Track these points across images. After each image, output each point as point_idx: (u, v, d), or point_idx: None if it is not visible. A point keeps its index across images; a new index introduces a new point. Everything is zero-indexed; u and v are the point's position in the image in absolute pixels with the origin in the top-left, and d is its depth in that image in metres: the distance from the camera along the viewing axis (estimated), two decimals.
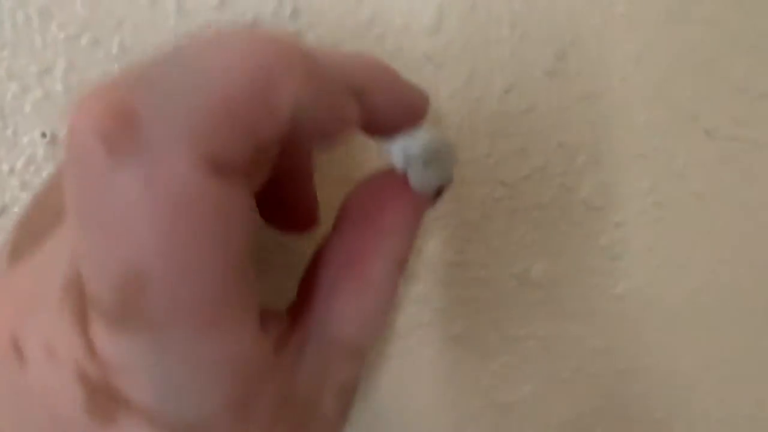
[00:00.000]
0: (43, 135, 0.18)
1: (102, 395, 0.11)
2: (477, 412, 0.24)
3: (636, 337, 0.26)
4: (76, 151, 0.09)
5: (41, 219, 0.13)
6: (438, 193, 0.16)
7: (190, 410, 0.11)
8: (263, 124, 0.09)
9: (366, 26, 0.20)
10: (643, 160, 0.24)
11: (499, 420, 0.24)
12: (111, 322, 0.10)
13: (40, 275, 0.12)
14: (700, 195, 0.25)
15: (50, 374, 0.11)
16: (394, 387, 0.23)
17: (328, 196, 0.18)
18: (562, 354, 0.25)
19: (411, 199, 0.15)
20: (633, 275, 0.25)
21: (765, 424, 0.28)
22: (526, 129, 0.22)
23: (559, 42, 0.22)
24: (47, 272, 0.11)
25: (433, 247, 0.22)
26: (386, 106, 0.14)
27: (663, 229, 0.25)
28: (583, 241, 0.24)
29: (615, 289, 0.25)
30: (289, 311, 0.15)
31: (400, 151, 0.15)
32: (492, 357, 0.24)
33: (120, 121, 0.08)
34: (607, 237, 0.24)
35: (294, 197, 0.17)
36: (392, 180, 0.15)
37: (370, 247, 0.14)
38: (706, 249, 0.25)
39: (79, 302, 0.11)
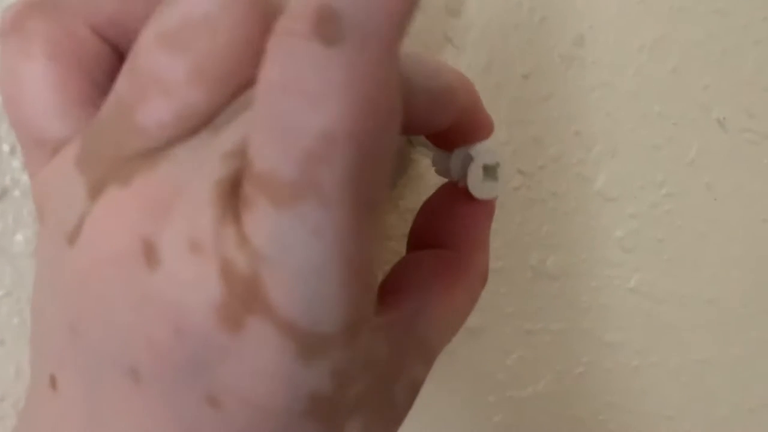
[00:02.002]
0: None
1: (240, 293, 0.10)
2: (492, 407, 0.23)
3: (648, 332, 0.25)
4: (290, 43, 0.10)
5: (122, 155, 0.12)
6: None
7: (319, 321, 0.10)
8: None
9: None
10: (656, 151, 0.23)
11: (513, 415, 0.24)
12: (281, 199, 0.10)
13: (176, 183, 0.11)
14: (710, 186, 0.25)
15: (189, 273, 0.10)
16: None
17: None
18: (576, 348, 0.24)
19: (489, 214, 0.17)
20: (646, 268, 0.24)
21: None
22: (544, 117, 0.21)
23: (577, 28, 0.21)
24: (186, 180, 0.11)
25: None
26: (471, 109, 0.15)
27: (675, 221, 0.24)
28: (598, 232, 0.23)
29: (629, 282, 0.24)
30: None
31: (462, 161, 0.16)
32: (508, 351, 0.23)
33: (327, 16, 0.09)
34: (622, 229, 0.24)
35: None
36: (467, 197, 0.16)
37: (464, 260, 0.16)
38: (718, 241, 0.25)
39: (233, 197, 0.10)
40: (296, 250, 0.10)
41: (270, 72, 0.10)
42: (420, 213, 0.17)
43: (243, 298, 0.10)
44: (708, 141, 0.24)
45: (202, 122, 0.12)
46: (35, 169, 0.13)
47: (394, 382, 0.13)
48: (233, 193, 0.10)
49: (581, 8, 0.21)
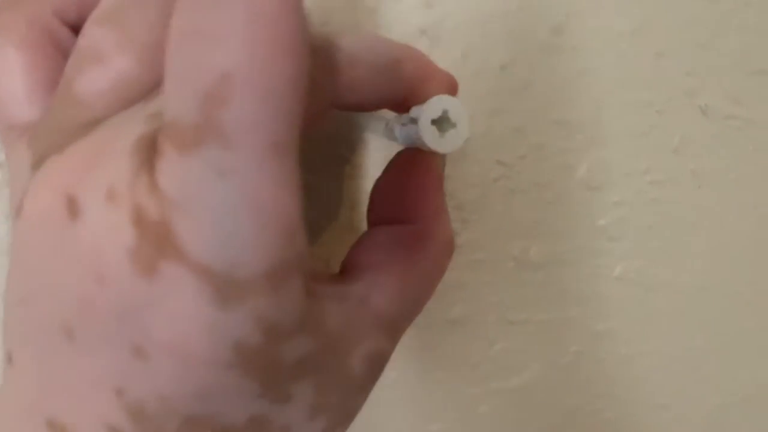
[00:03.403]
0: None
1: (152, 238, 0.10)
2: (477, 398, 0.23)
3: (638, 320, 0.25)
4: None
5: (64, 128, 0.13)
6: None
7: (235, 264, 0.10)
8: None
9: None
10: (639, 138, 0.23)
11: (499, 406, 0.24)
12: (184, 144, 0.10)
13: (102, 144, 0.12)
14: (696, 173, 0.24)
15: (105, 220, 0.11)
16: (390, 373, 0.23)
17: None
18: (563, 338, 0.24)
19: (439, 178, 0.17)
20: (632, 256, 0.24)
21: (764, 407, 0.28)
22: (524, 106, 0.21)
23: (555, 16, 0.21)
24: (111, 140, 0.11)
25: None
26: (422, 78, 0.16)
27: (660, 208, 0.24)
28: (582, 221, 0.23)
29: (614, 270, 0.24)
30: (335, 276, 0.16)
31: (415, 120, 0.16)
32: (491, 342, 0.23)
33: None
34: (606, 217, 0.23)
35: None
36: (423, 161, 0.16)
37: (420, 232, 0.16)
38: (704, 228, 0.25)
39: (152, 150, 0.11)
40: (203, 193, 0.10)
41: (174, 20, 0.10)
42: (374, 189, 0.17)
43: (155, 242, 0.10)
44: (692, 127, 0.24)
45: (138, 93, 0.13)
46: (8, 151, 0.14)
47: (349, 352, 0.14)
48: (152, 147, 0.11)
49: None
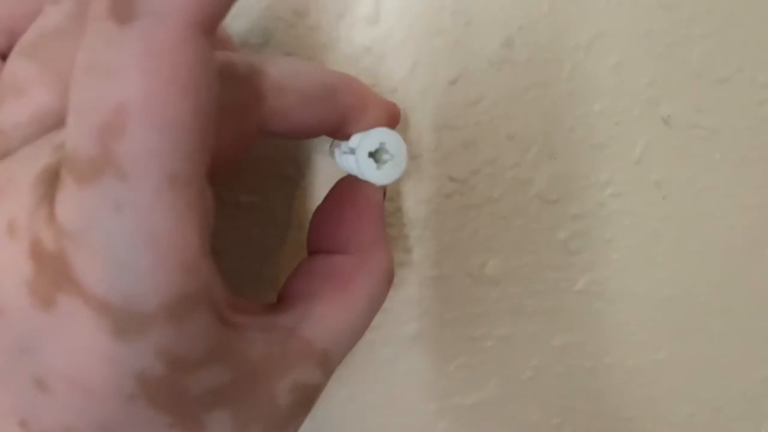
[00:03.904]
0: None
1: (49, 271, 0.10)
2: (435, 415, 0.23)
3: (601, 333, 0.25)
4: (91, 26, 0.10)
5: None
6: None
7: (131, 297, 0.10)
8: None
9: (299, 16, 0.19)
10: (599, 150, 0.23)
11: (459, 422, 0.24)
12: (82, 176, 0.10)
13: (9, 175, 0.12)
14: (659, 184, 0.24)
15: (6, 253, 0.11)
16: (347, 392, 0.22)
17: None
18: (523, 353, 0.24)
19: (378, 209, 0.16)
20: (594, 269, 0.24)
21: (734, 418, 0.28)
22: (474, 121, 0.21)
23: (506, 29, 0.21)
24: (18, 171, 0.12)
25: None
26: (358, 106, 0.15)
27: (623, 220, 0.24)
28: (539, 235, 0.23)
29: (576, 284, 0.24)
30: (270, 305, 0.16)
31: (354, 151, 0.16)
32: (448, 358, 0.23)
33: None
34: (565, 230, 0.23)
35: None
36: (362, 191, 0.16)
37: (357, 262, 0.16)
38: (668, 239, 0.25)
39: (51, 183, 0.11)
40: (99, 226, 0.10)
41: (78, 54, 0.10)
42: (313, 217, 0.17)
43: (52, 275, 0.10)
44: (655, 138, 0.24)
45: (56, 126, 0.13)
46: None
47: (274, 383, 0.13)
48: (55, 178, 0.11)
49: (509, 9, 0.21)
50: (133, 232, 0.10)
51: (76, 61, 0.10)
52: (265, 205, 0.20)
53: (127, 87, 0.10)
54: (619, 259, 0.24)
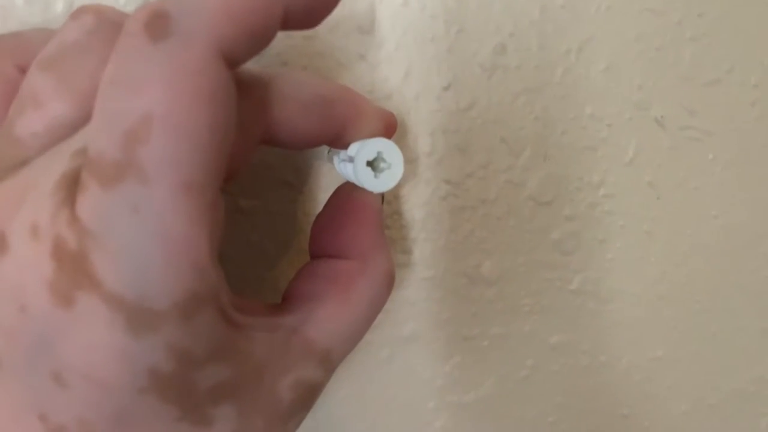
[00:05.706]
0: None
1: (70, 269, 0.11)
2: (432, 413, 0.24)
3: (596, 332, 0.25)
4: (124, 42, 0.11)
5: (2, 167, 0.13)
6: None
7: (146, 295, 0.11)
8: (262, 25, 0.12)
9: None
10: (591, 153, 0.23)
11: (455, 420, 0.24)
12: (106, 178, 0.11)
13: (30, 181, 0.12)
14: (652, 185, 0.25)
15: (28, 254, 0.11)
16: (345, 391, 0.23)
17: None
18: (519, 352, 0.24)
19: (377, 215, 0.17)
20: (588, 269, 0.24)
21: (729, 415, 0.28)
22: (468, 125, 0.22)
23: (497, 36, 0.21)
24: (38, 177, 0.12)
25: None
26: (355, 117, 0.16)
27: (616, 221, 0.24)
28: (533, 236, 0.23)
29: (571, 284, 0.24)
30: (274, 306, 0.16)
31: (352, 159, 0.16)
32: (445, 358, 0.23)
33: (157, 17, 0.11)
34: (559, 231, 0.24)
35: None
36: (361, 197, 0.17)
37: (358, 266, 0.16)
38: (661, 239, 0.25)
39: (71, 188, 0.11)
40: (118, 227, 0.11)
41: (108, 68, 0.11)
42: (314, 223, 0.18)
43: (72, 273, 0.11)
44: (647, 140, 0.24)
45: (71, 134, 0.13)
46: None
47: (277, 379, 0.14)
48: (75, 183, 0.12)
49: (500, 17, 0.21)
50: (149, 233, 0.11)
51: (106, 71, 0.11)
52: (265, 209, 0.21)
53: (154, 98, 0.11)
54: (613, 259, 0.25)
